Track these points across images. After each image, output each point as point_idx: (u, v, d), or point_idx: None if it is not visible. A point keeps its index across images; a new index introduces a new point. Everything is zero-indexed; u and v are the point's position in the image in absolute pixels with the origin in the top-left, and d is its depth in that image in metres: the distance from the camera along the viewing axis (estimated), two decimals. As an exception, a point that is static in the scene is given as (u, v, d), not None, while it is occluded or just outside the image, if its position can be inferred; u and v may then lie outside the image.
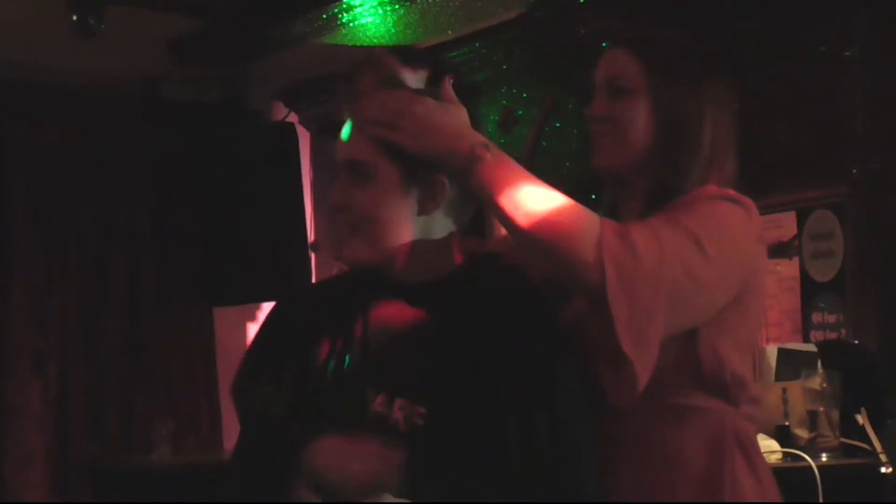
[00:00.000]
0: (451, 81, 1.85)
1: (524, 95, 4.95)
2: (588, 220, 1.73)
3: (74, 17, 4.63)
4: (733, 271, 1.80)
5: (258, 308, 5.81)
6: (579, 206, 1.76)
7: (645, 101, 1.89)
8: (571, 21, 4.46)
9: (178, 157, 5.62)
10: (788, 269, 4.04)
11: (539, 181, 1.77)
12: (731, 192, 1.86)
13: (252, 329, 5.87)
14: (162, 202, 5.69)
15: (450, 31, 4.91)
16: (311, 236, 5.60)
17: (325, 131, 5.38)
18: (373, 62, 2.00)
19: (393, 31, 4.91)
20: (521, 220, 1.73)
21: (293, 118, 5.67)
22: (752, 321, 1.91)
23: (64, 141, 5.47)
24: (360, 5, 4.68)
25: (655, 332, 1.69)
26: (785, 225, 4.05)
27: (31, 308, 5.36)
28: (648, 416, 1.79)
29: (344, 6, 4.71)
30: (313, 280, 5.51)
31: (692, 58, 1.93)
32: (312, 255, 5.59)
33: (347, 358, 1.81)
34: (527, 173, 1.78)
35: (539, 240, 1.73)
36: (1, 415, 5.24)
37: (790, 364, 3.43)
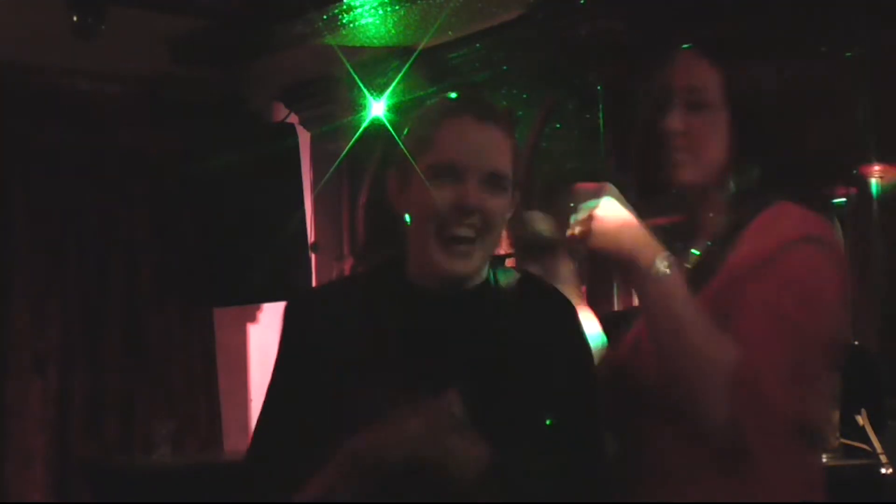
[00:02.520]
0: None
1: (524, 96, 4.95)
2: (725, 372, 1.69)
3: (75, 18, 4.63)
4: (830, 326, 1.76)
5: (258, 308, 5.81)
6: (723, 348, 1.70)
7: (725, 114, 1.83)
8: (571, 21, 4.46)
9: (178, 157, 5.62)
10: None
11: (697, 309, 1.75)
12: (811, 225, 1.77)
13: (252, 329, 5.88)
14: (162, 202, 5.69)
15: (450, 32, 4.91)
16: (311, 237, 5.60)
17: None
18: None
19: (393, 31, 4.91)
20: (672, 347, 1.74)
21: (293, 119, 5.67)
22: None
23: (64, 141, 5.47)
24: (361, 6, 4.68)
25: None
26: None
27: (31, 308, 5.36)
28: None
29: (344, 7, 4.71)
30: (313, 280, 5.51)
31: (764, 60, 1.89)
32: (312, 256, 5.59)
33: (399, 365, 1.82)
34: (689, 300, 1.76)
35: (678, 370, 1.73)
36: (1, 415, 5.25)
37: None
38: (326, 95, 5.46)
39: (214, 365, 5.81)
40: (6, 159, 5.34)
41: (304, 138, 5.65)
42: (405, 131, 1.90)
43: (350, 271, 5.59)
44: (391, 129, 2.01)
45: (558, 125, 4.83)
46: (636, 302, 1.87)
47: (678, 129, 1.85)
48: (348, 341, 1.83)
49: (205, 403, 5.74)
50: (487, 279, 1.88)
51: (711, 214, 1.87)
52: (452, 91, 1.94)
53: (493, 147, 1.83)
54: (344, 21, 4.79)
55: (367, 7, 4.68)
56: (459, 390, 1.75)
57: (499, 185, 1.82)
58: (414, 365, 1.80)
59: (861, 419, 3.13)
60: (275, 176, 5.44)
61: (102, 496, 5.09)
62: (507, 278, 1.91)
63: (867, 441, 3.09)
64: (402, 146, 1.86)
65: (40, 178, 5.41)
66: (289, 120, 5.66)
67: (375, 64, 5.16)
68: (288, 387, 1.86)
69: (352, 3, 4.67)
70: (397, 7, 4.65)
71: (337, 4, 4.69)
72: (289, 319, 1.91)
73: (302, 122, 5.67)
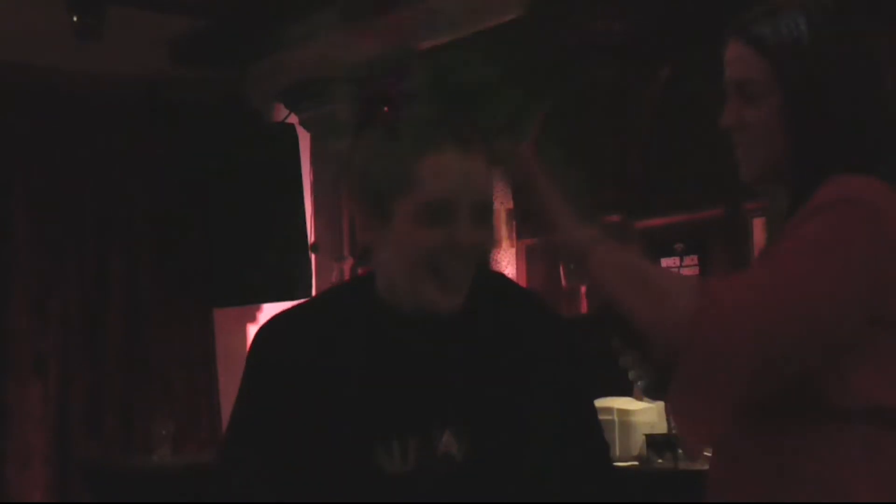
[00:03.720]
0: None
1: (524, 96, 4.94)
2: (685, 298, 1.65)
3: (75, 19, 4.64)
4: (859, 284, 1.63)
5: (258, 309, 5.81)
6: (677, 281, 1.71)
7: (779, 102, 1.74)
8: (571, 22, 4.46)
9: (179, 157, 5.62)
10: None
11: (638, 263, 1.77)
12: (851, 188, 1.68)
13: (252, 330, 5.87)
14: (162, 203, 5.69)
15: (450, 32, 4.91)
16: (311, 237, 5.60)
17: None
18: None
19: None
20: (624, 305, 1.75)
21: (293, 119, 5.67)
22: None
23: (64, 142, 5.47)
24: (361, 6, 4.67)
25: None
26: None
27: (32, 308, 5.36)
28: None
29: (344, 7, 4.71)
30: (313, 281, 5.51)
31: (816, 40, 1.76)
32: (312, 256, 5.59)
33: (382, 399, 1.75)
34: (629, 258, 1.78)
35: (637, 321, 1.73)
36: (1, 415, 5.25)
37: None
38: (326, 96, 5.46)
39: (214, 365, 5.81)
40: (6, 159, 5.34)
41: (304, 138, 5.65)
42: (374, 164, 1.75)
43: (350, 272, 5.59)
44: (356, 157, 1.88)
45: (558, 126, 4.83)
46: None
47: (728, 124, 1.81)
48: (320, 373, 1.74)
49: (204, 404, 5.74)
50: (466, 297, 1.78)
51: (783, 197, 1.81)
52: (425, 114, 1.78)
53: (479, 177, 1.73)
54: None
55: (367, 7, 4.67)
56: (448, 420, 1.72)
57: (488, 216, 1.74)
58: (397, 395, 1.73)
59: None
60: (275, 176, 5.44)
61: (102, 496, 5.09)
62: (484, 285, 1.82)
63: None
64: (372, 182, 1.73)
65: (40, 178, 5.41)
66: (289, 120, 5.66)
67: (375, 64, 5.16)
68: (254, 416, 1.77)
69: (352, 4, 4.67)
70: (397, 7, 4.65)
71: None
72: (256, 347, 1.80)
73: (302, 123, 5.67)
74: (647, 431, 3.84)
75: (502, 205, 4.78)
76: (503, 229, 4.79)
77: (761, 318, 1.58)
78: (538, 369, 1.79)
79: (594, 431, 1.85)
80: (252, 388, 1.78)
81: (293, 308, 1.87)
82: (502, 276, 1.99)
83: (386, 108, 1.83)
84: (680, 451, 3.61)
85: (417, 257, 1.70)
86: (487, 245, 1.79)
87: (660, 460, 3.70)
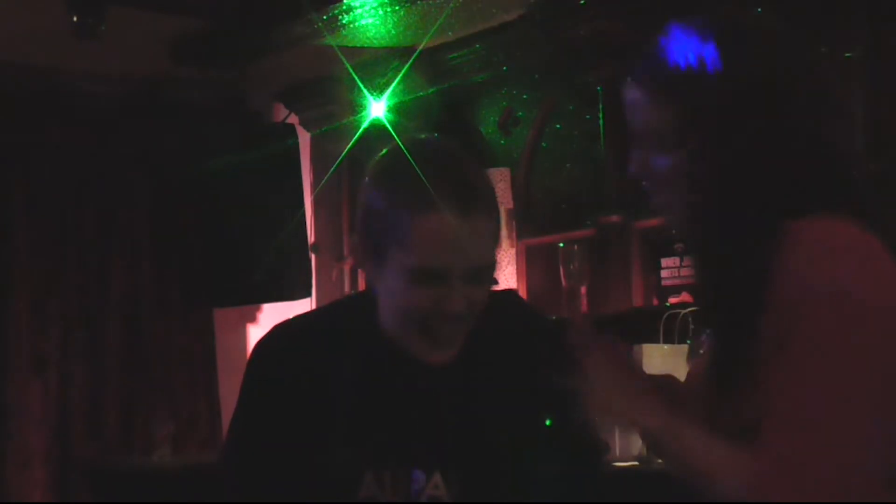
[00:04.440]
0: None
1: (524, 96, 4.95)
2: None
3: (75, 19, 4.63)
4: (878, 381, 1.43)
5: (258, 309, 5.81)
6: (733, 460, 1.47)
7: (684, 150, 1.53)
8: (571, 22, 4.46)
9: (179, 158, 5.62)
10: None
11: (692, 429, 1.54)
12: (838, 264, 1.44)
13: (252, 330, 5.87)
14: (162, 203, 5.69)
15: (450, 33, 4.91)
16: (311, 237, 5.60)
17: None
18: None
19: (393, 32, 4.91)
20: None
21: (293, 119, 5.67)
22: None
23: (64, 142, 5.47)
24: (361, 6, 4.68)
25: None
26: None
27: (32, 309, 5.36)
28: None
29: (344, 7, 4.71)
30: (313, 281, 5.51)
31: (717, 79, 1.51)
32: (312, 257, 5.59)
33: (374, 433, 1.71)
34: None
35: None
36: (1, 415, 5.25)
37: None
38: (326, 96, 5.46)
39: (214, 365, 5.80)
40: (6, 159, 5.33)
41: (303, 139, 5.65)
42: (370, 211, 1.66)
43: (350, 273, 5.59)
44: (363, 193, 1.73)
45: (558, 125, 4.83)
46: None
47: (634, 174, 1.60)
48: (314, 399, 1.70)
49: (205, 404, 5.74)
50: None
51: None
52: (425, 168, 1.63)
53: (478, 240, 1.62)
54: (344, 21, 4.79)
55: (366, 7, 4.68)
56: (438, 464, 1.68)
57: (485, 276, 1.65)
58: (386, 432, 1.70)
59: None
60: (275, 176, 5.44)
61: (102, 496, 5.09)
62: (483, 319, 1.72)
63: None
64: (371, 228, 1.65)
65: (40, 178, 5.41)
66: (289, 120, 5.66)
67: (375, 64, 5.16)
68: (249, 431, 1.75)
69: (352, 4, 4.67)
70: (397, 7, 4.65)
71: (337, 5, 4.69)
72: (255, 361, 1.77)
73: (302, 123, 5.67)
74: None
75: (502, 205, 4.78)
76: (503, 229, 4.79)
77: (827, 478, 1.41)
78: (535, 411, 1.72)
79: (592, 446, 1.80)
80: (248, 402, 1.76)
81: (294, 321, 1.83)
82: (510, 299, 1.89)
83: None
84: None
85: (407, 314, 1.64)
86: (483, 298, 1.66)
87: (660, 460, 3.69)
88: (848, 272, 1.43)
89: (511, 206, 4.82)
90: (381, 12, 4.69)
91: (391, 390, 1.71)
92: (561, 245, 4.20)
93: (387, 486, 1.68)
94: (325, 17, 4.80)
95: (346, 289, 5.57)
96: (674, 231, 1.66)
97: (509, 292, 1.93)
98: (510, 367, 1.73)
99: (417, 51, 5.02)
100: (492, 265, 1.66)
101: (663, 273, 4.43)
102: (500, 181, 4.79)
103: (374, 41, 5.01)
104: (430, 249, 1.60)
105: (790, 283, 1.43)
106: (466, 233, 1.60)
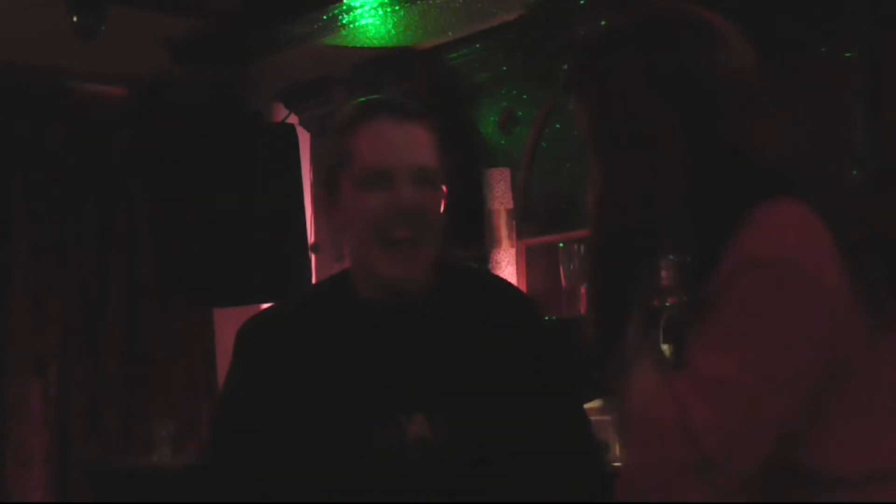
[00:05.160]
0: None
1: (524, 96, 4.95)
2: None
3: (75, 19, 4.63)
4: (794, 359, 1.46)
5: (258, 309, 5.80)
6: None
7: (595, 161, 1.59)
8: (571, 22, 4.46)
9: (179, 158, 5.62)
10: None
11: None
12: (775, 241, 1.47)
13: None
14: (162, 203, 5.69)
15: (450, 33, 4.92)
16: (311, 237, 5.60)
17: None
18: None
19: (393, 32, 4.91)
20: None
21: (293, 119, 5.67)
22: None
23: (64, 142, 5.47)
24: (360, 7, 4.68)
25: None
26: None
27: (32, 309, 5.36)
28: None
29: (344, 8, 4.71)
30: (313, 281, 5.51)
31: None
32: (312, 256, 5.59)
33: (360, 387, 1.79)
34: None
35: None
36: (1, 416, 5.25)
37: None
38: (326, 96, 5.46)
39: (214, 365, 5.81)
40: (6, 159, 5.34)
41: (303, 139, 5.65)
42: (322, 148, 1.89)
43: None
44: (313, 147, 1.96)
45: (558, 125, 4.83)
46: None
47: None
48: (300, 365, 1.79)
49: (205, 404, 5.74)
50: (436, 285, 1.83)
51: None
52: (363, 97, 1.88)
53: (416, 143, 1.79)
54: (344, 22, 4.79)
55: (366, 8, 4.68)
56: (422, 409, 1.74)
57: (430, 180, 1.79)
58: (370, 385, 1.77)
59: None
60: (275, 176, 5.44)
61: (102, 496, 5.09)
62: (455, 279, 1.86)
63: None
64: (320, 163, 1.86)
65: (40, 178, 5.41)
66: (289, 120, 5.66)
67: (375, 65, 5.16)
68: (239, 411, 1.82)
69: (352, 4, 4.67)
70: (397, 8, 4.65)
71: (337, 5, 4.69)
72: (240, 342, 1.88)
73: (302, 123, 5.67)
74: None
75: (502, 205, 4.78)
76: (503, 229, 4.79)
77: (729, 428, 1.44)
78: (512, 358, 1.81)
79: (578, 419, 1.85)
80: (237, 381, 1.84)
81: (271, 307, 2.01)
82: (478, 270, 2.05)
83: None
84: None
85: (363, 225, 1.76)
86: (433, 209, 1.79)
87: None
88: (789, 242, 1.47)
89: (511, 206, 4.82)
90: (381, 12, 4.69)
91: (370, 343, 1.79)
92: (561, 245, 4.21)
93: (379, 434, 1.74)
94: (325, 17, 4.81)
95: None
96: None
97: (474, 267, 2.07)
98: (484, 325, 1.83)
99: (417, 51, 5.02)
100: (435, 171, 1.79)
101: (663, 273, 4.42)
102: (500, 181, 4.79)
103: (374, 41, 5.01)
104: (374, 152, 1.76)
105: (735, 253, 1.48)
106: (404, 134, 1.78)
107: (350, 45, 5.00)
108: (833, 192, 1.59)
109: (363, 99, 1.86)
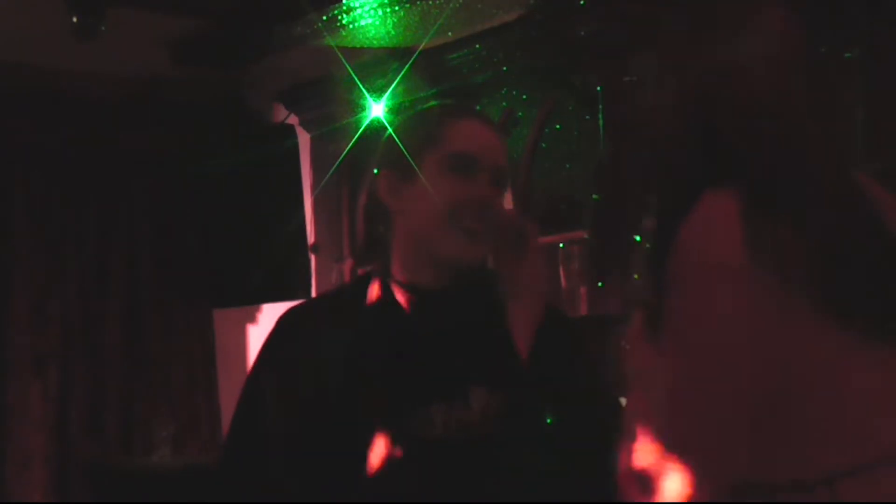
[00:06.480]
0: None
1: (524, 97, 4.95)
2: None
3: (75, 19, 4.63)
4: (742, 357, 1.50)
5: (258, 310, 5.81)
6: None
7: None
8: (571, 22, 4.46)
9: (179, 158, 5.62)
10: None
11: None
12: (719, 242, 1.53)
13: (252, 330, 5.88)
14: (162, 203, 5.69)
15: (450, 33, 4.91)
16: (311, 238, 5.60)
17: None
18: None
19: (393, 32, 4.91)
20: None
21: (293, 120, 5.67)
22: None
23: (64, 142, 5.47)
24: (361, 7, 4.68)
25: None
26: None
27: (32, 309, 5.36)
28: None
29: (344, 8, 4.71)
30: (313, 281, 5.51)
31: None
32: (312, 257, 5.59)
33: (382, 376, 1.84)
34: None
35: None
36: (1, 416, 5.25)
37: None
38: (326, 96, 5.46)
39: (214, 366, 5.81)
40: (6, 159, 5.34)
41: (303, 139, 5.65)
42: (404, 130, 1.94)
43: (349, 273, 5.59)
44: (389, 128, 2.02)
45: (558, 125, 4.83)
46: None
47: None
48: (340, 355, 1.85)
49: (205, 405, 5.74)
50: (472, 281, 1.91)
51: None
52: (445, 98, 2.10)
53: (499, 146, 1.93)
54: (344, 22, 4.79)
55: (366, 8, 4.68)
56: (473, 386, 1.80)
57: (504, 182, 1.91)
58: (418, 367, 1.83)
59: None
60: (275, 177, 5.44)
61: (102, 497, 5.09)
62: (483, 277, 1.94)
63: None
64: (400, 144, 1.90)
65: (40, 178, 5.41)
66: (289, 121, 5.66)
67: (375, 65, 5.16)
68: (270, 395, 1.87)
69: (352, 4, 4.67)
70: (397, 8, 4.65)
71: (337, 5, 4.69)
72: (281, 328, 1.94)
73: (302, 123, 5.67)
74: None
75: (502, 205, 4.78)
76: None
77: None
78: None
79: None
80: (270, 367, 1.90)
81: (308, 301, 2.10)
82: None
83: None
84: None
85: (440, 205, 1.85)
86: (501, 207, 1.92)
87: None
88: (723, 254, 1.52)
89: (511, 206, 4.82)
90: (381, 12, 4.69)
91: (402, 332, 1.87)
92: (561, 245, 4.21)
93: (432, 418, 1.79)
94: (325, 18, 4.81)
95: (346, 289, 5.56)
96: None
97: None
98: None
99: (417, 51, 5.02)
100: (508, 177, 1.93)
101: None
102: (500, 181, 4.79)
103: (374, 41, 5.01)
104: (466, 139, 1.89)
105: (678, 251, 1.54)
106: (491, 136, 1.93)
107: (350, 45, 5.00)
108: (814, 192, 1.63)
109: (448, 101, 2.07)
